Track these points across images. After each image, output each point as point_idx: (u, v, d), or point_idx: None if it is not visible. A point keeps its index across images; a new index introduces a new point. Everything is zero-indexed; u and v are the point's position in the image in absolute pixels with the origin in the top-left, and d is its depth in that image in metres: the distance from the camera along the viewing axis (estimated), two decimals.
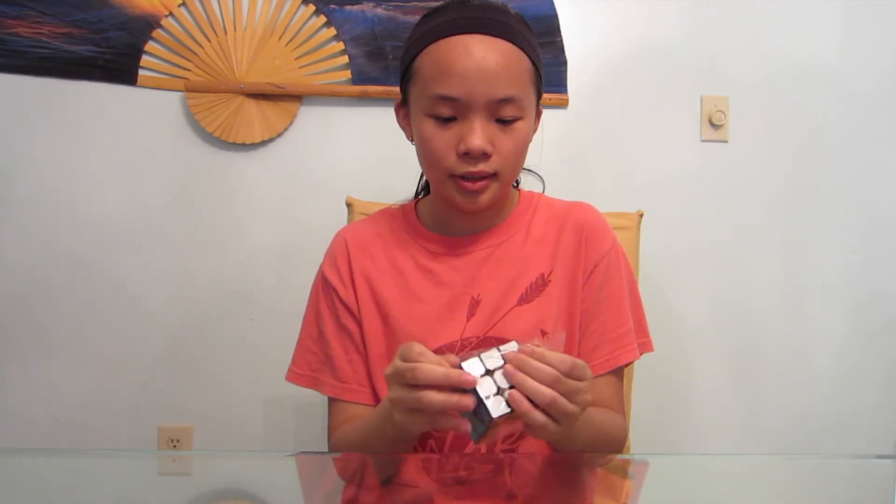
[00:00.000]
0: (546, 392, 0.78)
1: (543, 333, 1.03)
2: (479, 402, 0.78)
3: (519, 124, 1.00)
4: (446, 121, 0.98)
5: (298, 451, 1.02)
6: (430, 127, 0.99)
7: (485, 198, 1.01)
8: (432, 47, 0.99)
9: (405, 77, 1.04)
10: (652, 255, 1.62)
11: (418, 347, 0.81)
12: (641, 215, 1.46)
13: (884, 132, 1.96)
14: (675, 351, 1.91)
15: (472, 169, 0.98)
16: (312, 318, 1.11)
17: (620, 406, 1.07)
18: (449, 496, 0.84)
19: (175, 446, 1.83)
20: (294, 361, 1.11)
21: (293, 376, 1.10)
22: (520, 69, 0.99)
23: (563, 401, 0.79)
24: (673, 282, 1.92)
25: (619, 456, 1.01)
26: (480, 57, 0.96)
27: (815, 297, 1.96)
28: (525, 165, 1.16)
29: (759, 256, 1.94)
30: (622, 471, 0.98)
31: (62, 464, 0.96)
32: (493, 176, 1.00)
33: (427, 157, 1.02)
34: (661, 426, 1.89)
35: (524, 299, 1.04)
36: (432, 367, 0.79)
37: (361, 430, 1.00)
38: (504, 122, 0.99)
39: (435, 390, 0.78)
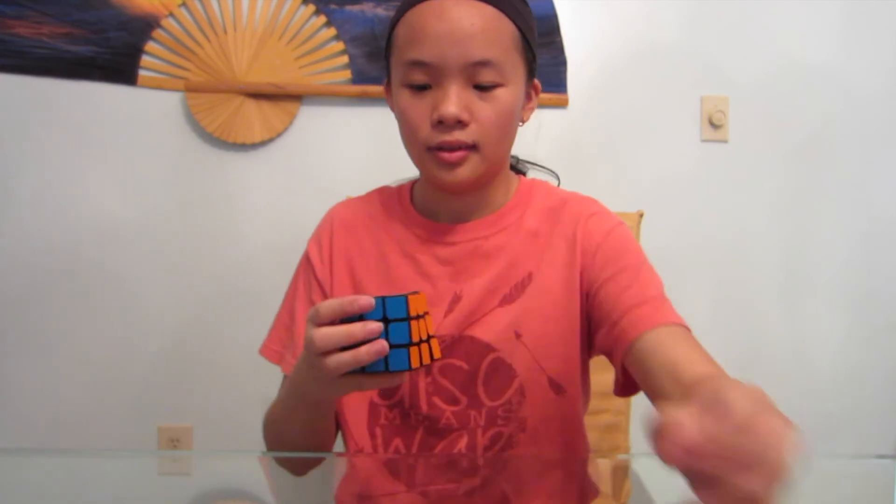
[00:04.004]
0: None
1: (517, 336, 0.96)
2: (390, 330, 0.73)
3: (500, 91, 0.92)
4: (421, 89, 0.92)
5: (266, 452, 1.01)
6: (405, 97, 0.93)
7: (463, 171, 0.93)
8: (408, 13, 0.93)
9: (386, 51, 0.99)
10: (652, 256, 1.61)
11: (319, 307, 0.75)
12: (641, 215, 1.46)
13: (884, 132, 1.96)
14: None
15: (448, 138, 0.91)
16: (291, 293, 1.08)
17: (708, 358, 0.85)
18: None
19: (175, 446, 1.83)
20: (269, 335, 1.07)
21: (265, 350, 1.06)
22: (500, 32, 0.92)
23: None
24: (673, 282, 1.89)
25: (619, 456, 1.01)
26: (454, 18, 0.90)
27: (816, 296, 1.96)
28: (528, 159, 1.15)
29: (759, 256, 1.94)
30: (622, 471, 0.98)
31: (62, 464, 0.96)
32: (472, 147, 0.92)
33: (404, 129, 0.96)
34: None
35: (507, 299, 0.98)
36: (336, 331, 0.73)
37: (281, 403, 0.96)
38: (483, 89, 0.91)
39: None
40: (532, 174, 1.15)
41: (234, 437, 1.85)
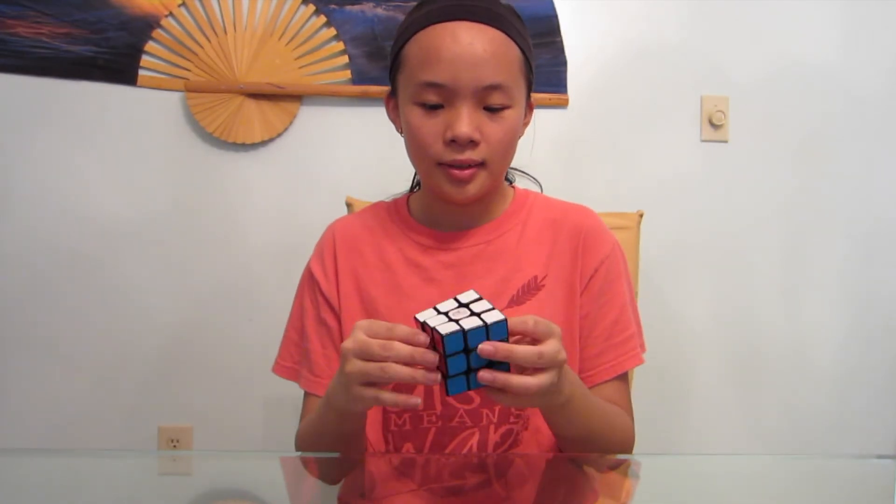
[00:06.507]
0: (530, 351, 0.78)
1: None
2: (448, 356, 0.77)
3: (507, 113, 0.97)
4: (433, 108, 0.96)
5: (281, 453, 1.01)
6: (416, 115, 0.97)
7: (473, 187, 0.98)
8: (420, 34, 0.97)
9: (394, 67, 1.02)
10: (652, 256, 1.62)
11: (385, 323, 0.80)
12: (641, 215, 1.46)
13: (884, 132, 1.96)
14: (675, 351, 1.91)
15: (459, 157, 0.96)
16: (297, 311, 1.10)
17: (629, 409, 1.05)
18: None
19: (175, 446, 1.83)
20: (280, 353, 1.10)
21: (278, 368, 1.09)
22: (508, 57, 0.97)
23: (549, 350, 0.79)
24: (673, 282, 1.92)
25: (619, 456, 1.01)
26: (467, 43, 0.94)
27: (815, 297, 1.96)
28: (518, 166, 1.15)
29: (759, 256, 1.94)
30: (622, 471, 0.98)
31: (62, 464, 0.96)
32: (481, 165, 0.97)
33: (414, 145, 0.99)
34: (661, 426, 1.89)
35: (515, 301, 1.01)
36: (402, 346, 0.78)
37: (314, 415, 0.98)
38: (492, 110, 0.96)
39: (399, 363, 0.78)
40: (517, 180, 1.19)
41: (234, 437, 1.85)
